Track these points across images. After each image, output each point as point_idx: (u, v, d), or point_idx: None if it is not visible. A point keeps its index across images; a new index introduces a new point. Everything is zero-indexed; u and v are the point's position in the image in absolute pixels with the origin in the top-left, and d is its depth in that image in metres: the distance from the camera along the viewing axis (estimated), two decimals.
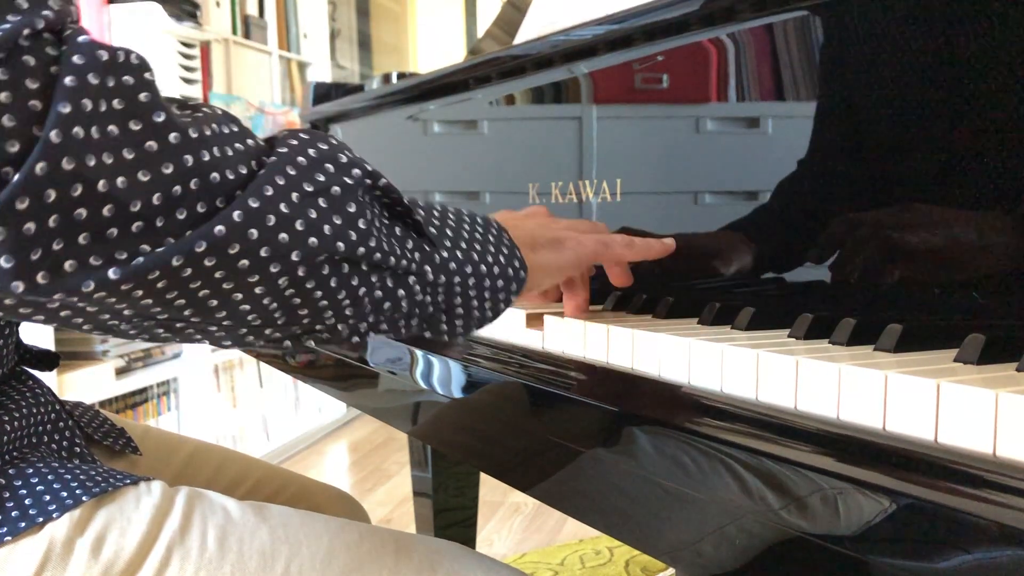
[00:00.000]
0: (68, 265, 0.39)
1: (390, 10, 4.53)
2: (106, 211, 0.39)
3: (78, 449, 0.67)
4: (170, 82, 2.33)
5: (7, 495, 0.54)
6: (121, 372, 2.16)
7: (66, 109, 0.38)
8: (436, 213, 0.57)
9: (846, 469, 0.39)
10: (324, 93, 1.37)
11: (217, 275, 0.44)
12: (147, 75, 0.42)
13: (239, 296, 0.46)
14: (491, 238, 0.58)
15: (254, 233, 0.44)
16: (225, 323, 0.48)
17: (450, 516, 1.44)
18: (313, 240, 0.47)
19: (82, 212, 0.39)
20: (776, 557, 0.43)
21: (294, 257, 0.46)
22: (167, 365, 2.37)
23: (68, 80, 0.38)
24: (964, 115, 0.52)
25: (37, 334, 1.78)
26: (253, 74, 2.90)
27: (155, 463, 0.81)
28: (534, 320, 0.68)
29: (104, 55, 0.40)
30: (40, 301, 0.40)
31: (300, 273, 0.47)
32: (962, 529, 0.34)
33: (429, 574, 0.61)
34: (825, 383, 0.43)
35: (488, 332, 0.71)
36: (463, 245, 0.56)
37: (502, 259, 0.58)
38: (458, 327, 0.58)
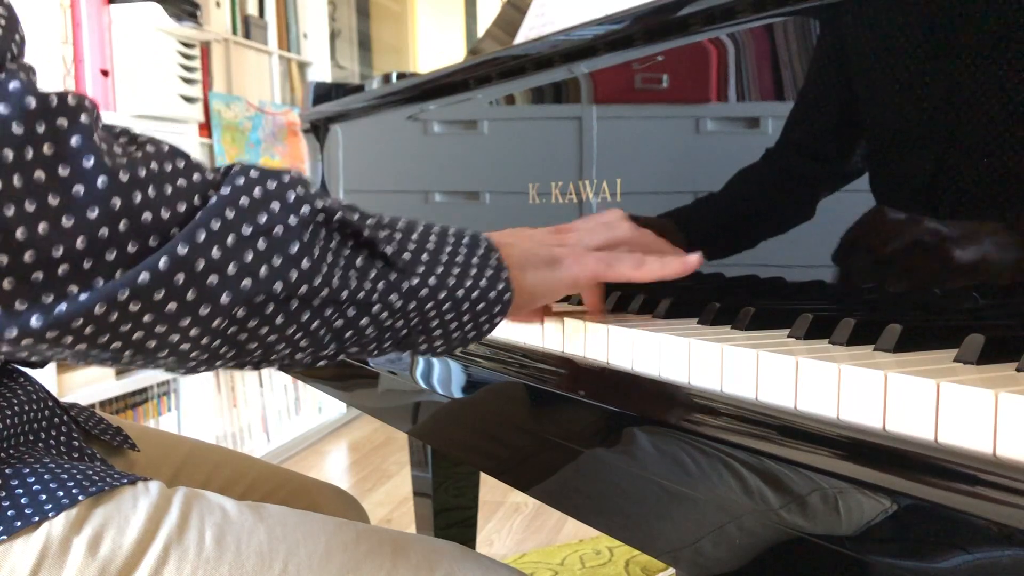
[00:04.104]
0: None
1: (390, 10, 4.53)
2: (27, 257, 0.40)
3: (76, 443, 0.67)
4: (170, 82, 2.33)
5: (3, 494, 0.54)
6: (121, 372, 2.16)
7: None
8: (414, 238, 0.56)
9: (846, 469, 0.39)
10: (324, 93, 1.37)
11: (146, 319, 0.44)
12: (83, 117, 0.42)
13: (175, 337, 0.46)
14: (475, 260, 0.57)
15: (180, 278, 0.44)
16: (168, 359, 0.48)
17: (450, 516, 1.44)
18: (247, 282, 0.46)
19: (2, 259, 0.39)
20: (776, 557, 0.43)
21: (224, 299, 0.46)
22: None
23: None
24: (965, 115, 0.52)
25: None
26: (253, 74, 2.90)
27: (152, 463, 0.81)
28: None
29: (33, 102, 0.40)
30: None
31: (239, 314, 0.47)
32: (962, 529, 0.34)
33: (427, 574, 0.61)
34: (825, 383, 0.43)
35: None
36: (439, 270, 0.55)
37: (484, 282, 0.57)
38: (438, 347, 0.58)
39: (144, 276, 0.43)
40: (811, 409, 0.44)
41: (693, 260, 0.62)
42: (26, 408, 0.64)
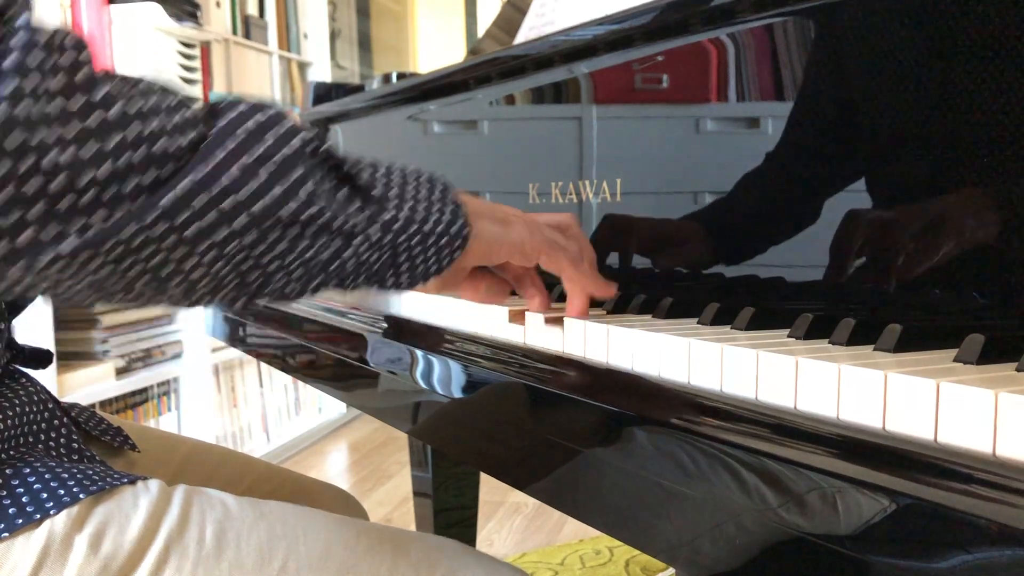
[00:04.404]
0: (22, 239, 0.40)
1: (390, 10, 4.53)
2: (56, 184, 0.40)
3: (76, 445, 0.67)
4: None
5: (4, 494, 0.54)
6: (121, 372, 2.16)
7: (9, 87, 0.39)
8: (381, 172, 0.58)
9: (845, 468, 0.39)
10: (324, 93, 1.37)
11: (168, 243, 0.45)
12: (84, 54, 0.43)
13: (191, 263, 0.47)
14: (435, 196, 0.59)
15: (202, 200, 0.46)
16: (177, 289, 0.49)
17: (450, 516, 1.44)
18: (258, 206, 0.48)
19: (34, 185, 0.40)
20: (775, 556, 0.43)
21: (239, 223, 0.48)
22: (167, 365, 2.37)
23: (9, 61, 0.39)
24: (964, 115, 0.52)
25: (37, 333, 1.78)
26: (253, 74, 2.90)
27: (153, 463, 0.81)
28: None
29: (41, 37, 0.41)
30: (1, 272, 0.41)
31: (248, 239, 0.49)
32: (961, 528, 0.34)
33: (427, 572, 0.61)
34: (825, 383, 0.43)
35: (489, 332, 0.71)
36: (408, 204, 0.57)
37: (447, 216, 0.59)
38: (403, 282, 0.59)
39: (170, 197, 0.44)
40: (811, 409, 0.44)
41: (612, 289, 0.67)
42: (27, 409, 0.64)
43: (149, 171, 0.44)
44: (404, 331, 0.82)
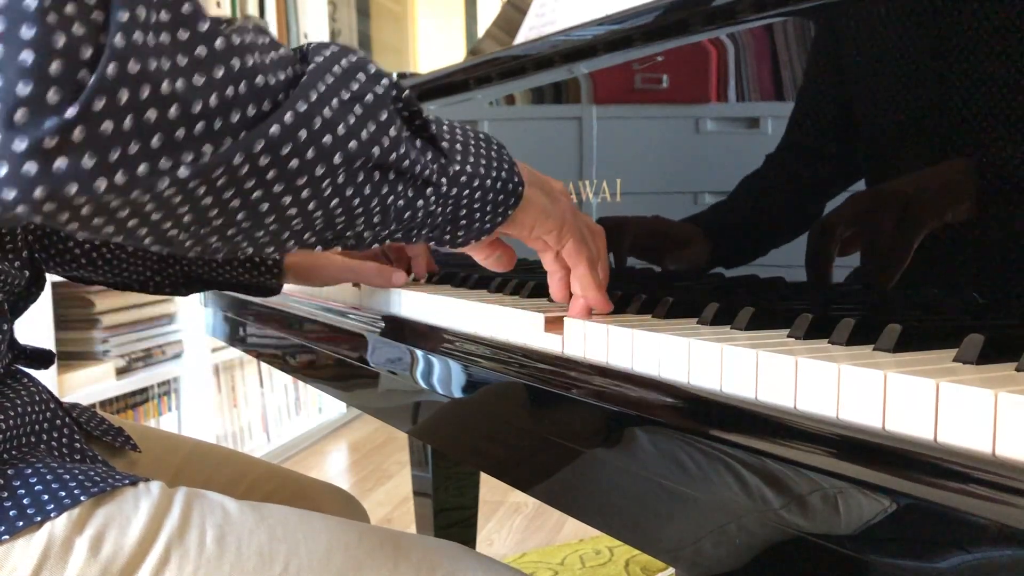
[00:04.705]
0: (142, 168, 0.41)
1: (390, 10, 4.53)
2: (172, 112, 0.41)
3: (78, 445, 0.67)
4: None
5: (5, 495, 0.55)
6: (121, 372, 2.16)
7: (124, 16, 0.39)
8: (447, 127, 0.59)
9: (845, 468, 0.39)
10: None
11: (270, 176, 0.46)
12: None
13: (287, 199, 0.48)
14: (493, 153, 0.60)
15: (303, 134, 0.47)
16: (272, 227, 0.50)
17: (450, 516, 1.44)
18: (353, 144, 0.49)
19: (152, 114, 0.40)
20: (776, 556, 0.43)
21: (336, 160, 0.49)
22: (168, 365, 2.37)
23: None
24: (964, 115, 0.52)
25: (37, 334, 1.78)
26: None
27: (153, 463, 0.81)
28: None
29: None
30: (113, 207, 0.41)
31: (340, 179, 0.50)
32: (961, 528, 0.34)
33: (428, 574, 0.61)
34: (824, 383, 0.43)
35: (489, 332, 0.71)
36: (471, 159, 0.58)
37: (504, 174, 0.60)
38: (460, 236, 0.60)
39: (275, 128, 0.45)
40: (811, 409, 0.44)
41: (610, 306, 0.67)
42: (29, 410, 0.64)
43: (251, 104, 0.45)
44: (404, 331, 0.82)
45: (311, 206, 0.49)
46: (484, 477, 1.57)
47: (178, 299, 2.40)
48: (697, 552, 0.47)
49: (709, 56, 0.70)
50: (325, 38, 3.40)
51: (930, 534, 0.36)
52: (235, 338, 1.29)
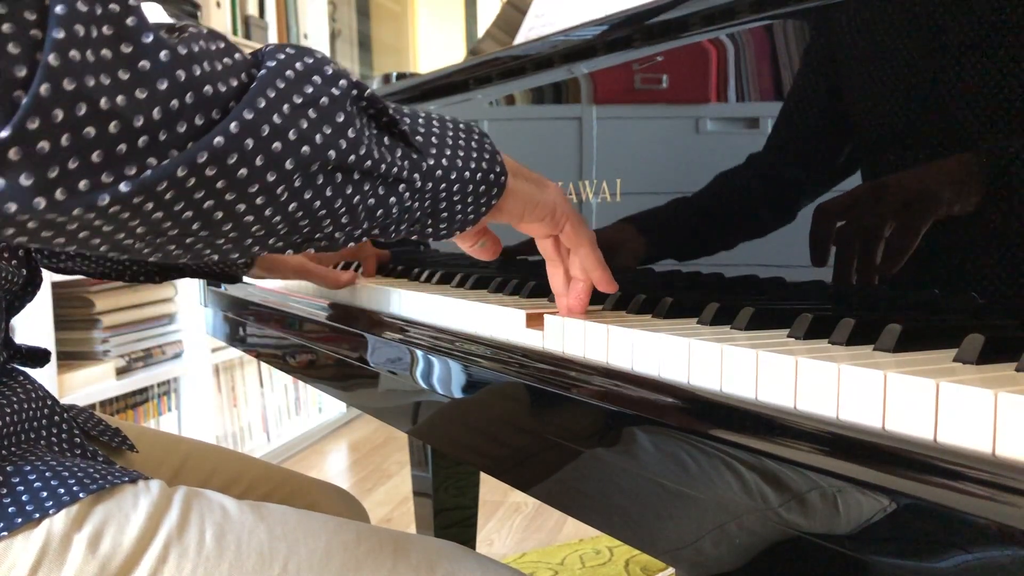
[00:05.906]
0: (83, 184, 0.41)
1: (390, 10, 4.53)
2: (112, 128, 0.41)
3: (78, 440, 0.67)
4: None
5: (4, 492, 0.55)
6: (121, 372, 2.16)
7: (60, 35, 0.39)
8: (421, 121, 0.58)
9: (845, 468, 0.39)
10: None
11: (219, 185, 0.46)
12: (131, 1, 0.44)
13: (242, 207, 0.48)
14: (474, 144, 0.60)
15: (250, 143, 0.46)
16: (232, 235, 0.49)
17: (450, 516, 1.44)
18: (306, 148, 0.49)
19: (91, 130, 0.40)
20: (776, 556, 0.43)
21: (288, 165, 0.48)
22: (167, 365, 2.37)
23: (59, 8, 0.40)
24: (964, 115, 0.52)
25: (37, 334, 1.78)
26: None
27: (151, 464, 0.81)
28: (534, 320, 0.68)
29: None
30: (59, 221, 0.42)
31: (296, 184, 0.49)
32: (961, 528, 0.34)
33: (427, 574, 0.61)
34: (824, 383, 0.43)
35: (489, 332, 0.71)
36: (448, 152, 0.58)
37: (484, 164, 0.59)
38: (441, 230, 0.60)
39: (219, 139, 0.45)
40: (811, 409, 0.44)
41: (615, 286, 0.66)
42: (25, 407, 0.64)
43: (199, 115, 0.44)
44: (404, 330, 0.82)
45: (267, 212, 0.49)
46: (484, 477, 1.57)
47: (178, 299, 2.40)
48: (697, 552, 0.47)
49: (709, 56, 0.70)
50: (325, 38, 3.40)
51: (930, 534, 0.36)
52: (235, 338, 1.29)
